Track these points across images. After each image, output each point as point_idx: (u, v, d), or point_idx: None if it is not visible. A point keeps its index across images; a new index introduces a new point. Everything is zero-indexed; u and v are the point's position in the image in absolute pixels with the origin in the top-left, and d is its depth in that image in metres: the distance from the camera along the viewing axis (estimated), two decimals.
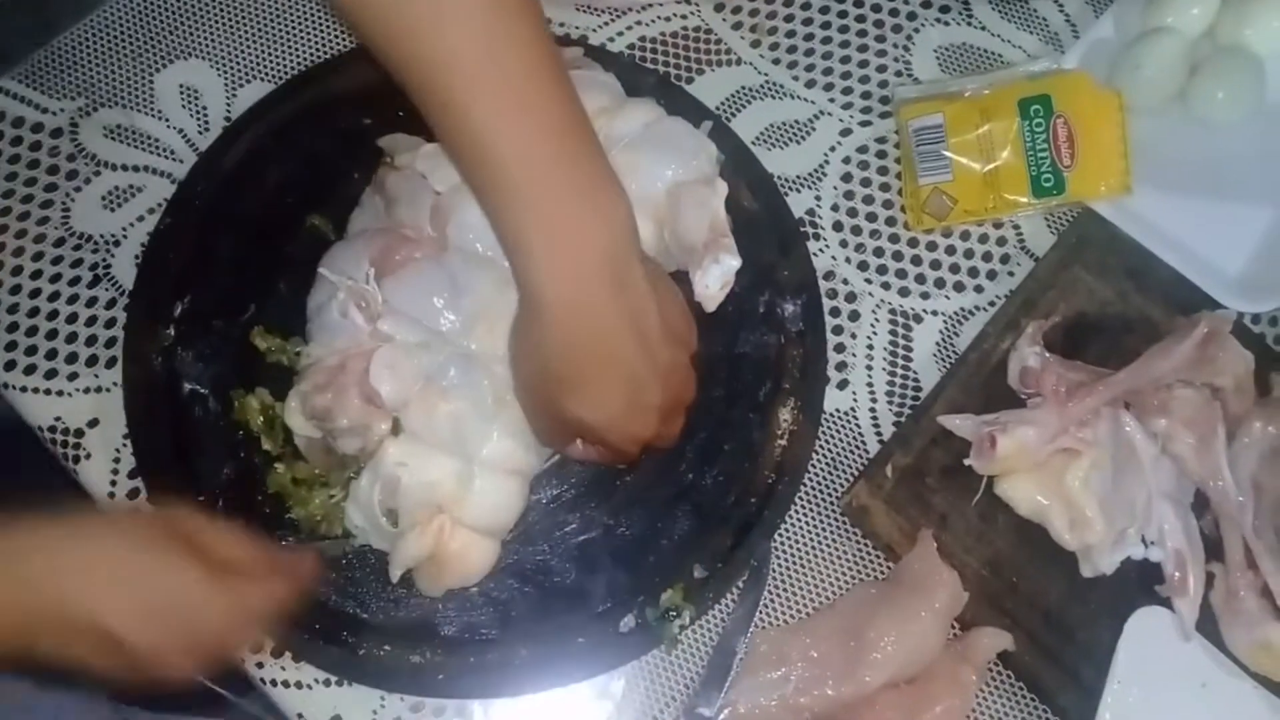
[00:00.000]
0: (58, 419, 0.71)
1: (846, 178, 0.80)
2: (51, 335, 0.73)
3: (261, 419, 0.68)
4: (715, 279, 0.66)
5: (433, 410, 0.63)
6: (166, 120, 0.78)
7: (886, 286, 0.78)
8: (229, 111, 0.78)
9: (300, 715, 0.66)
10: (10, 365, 0.72)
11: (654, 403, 0.60)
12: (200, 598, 0.56)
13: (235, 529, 0.59)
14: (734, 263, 0.67)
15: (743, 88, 0.82)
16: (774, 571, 0.70)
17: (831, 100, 0.82)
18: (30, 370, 0.72)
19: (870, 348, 0.76)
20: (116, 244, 0.75)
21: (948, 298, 0.78)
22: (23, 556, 0.53)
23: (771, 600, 0.70)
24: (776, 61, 0.83)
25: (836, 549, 0.72)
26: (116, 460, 0.70)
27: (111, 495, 0.70)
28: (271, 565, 0.60)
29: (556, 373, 0.58)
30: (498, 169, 0.55)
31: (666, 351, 0.60)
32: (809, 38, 0.84)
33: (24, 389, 0.72)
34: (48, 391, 0.72)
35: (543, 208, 0.55)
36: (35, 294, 0.74)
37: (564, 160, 0.56)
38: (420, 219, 0.66)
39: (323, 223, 0.73)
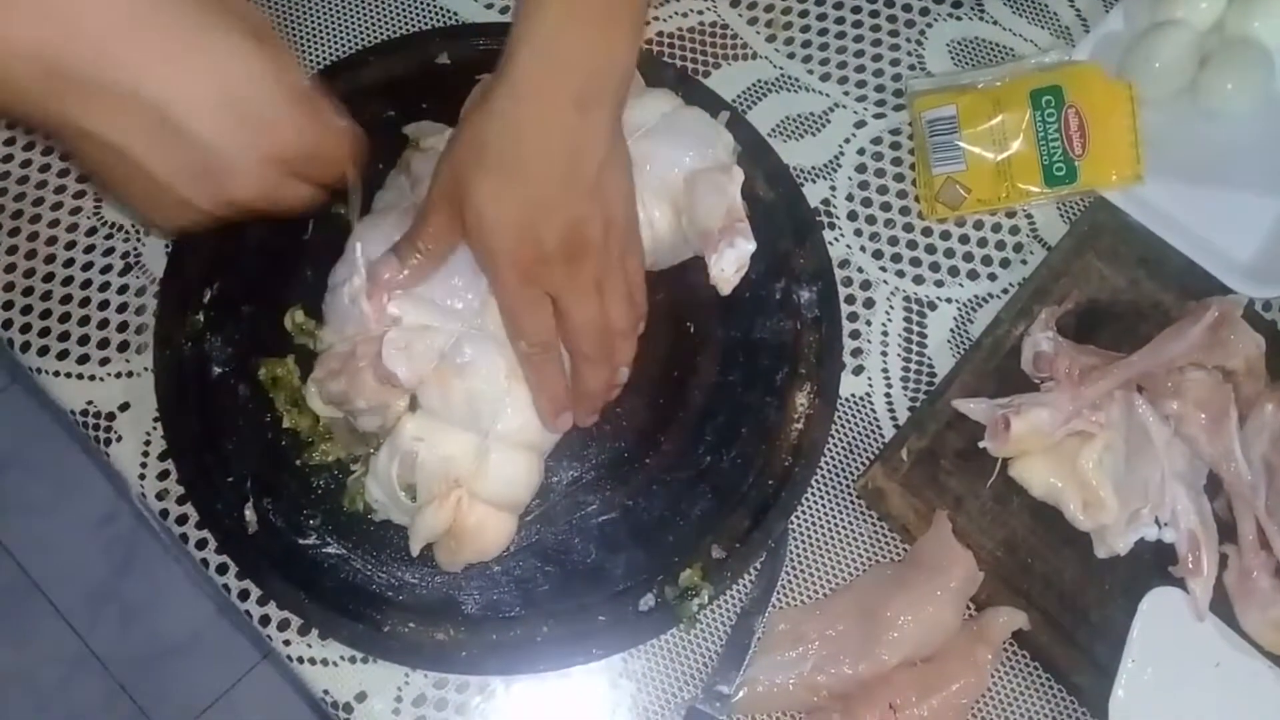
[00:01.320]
0: (90, 403, 0.73)
1: (861, 168, 0.82)
2: (84, 322, 0.74)
3: (284, 396, 0.69)
4: (730, 262, 0.67)
5: (448, 387, 0.64)
6: None
7: (901, 274, 0.79)
8: None
9: (326, 692, 0.67)
10: (44, 351, 0.74)
11: (543, 239, 0.57)
12: (285, 97, 0.48)
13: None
14: (749, 246, 0.68)
15: (759, 81, 0.83)
16: (791, 552, 0.71)
17: (846, 93, 0.84)
18: (63, 355, 0.74)
19: (885, 334, 0.77)
20: (147, 232, 0.77)
21: (961, 285, 0.79)
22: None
23: (789, 580, 0.71)
24: (792, 56, 0.84)
25: (852, 530, 0.73)
26: (147, 443, 0.72)
27: (142, 477, 0.71)
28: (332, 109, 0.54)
29: (474, 141, 0.56)
30: None
31: (587, 205, 0.57)
32: (823, 32, 0.85)
33: (57, 374, 0.73)
34: (80, 376, 0.73)
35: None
36: (68, 281, 0.75)
37: None
38: None
39: (349, 212, 0.75)
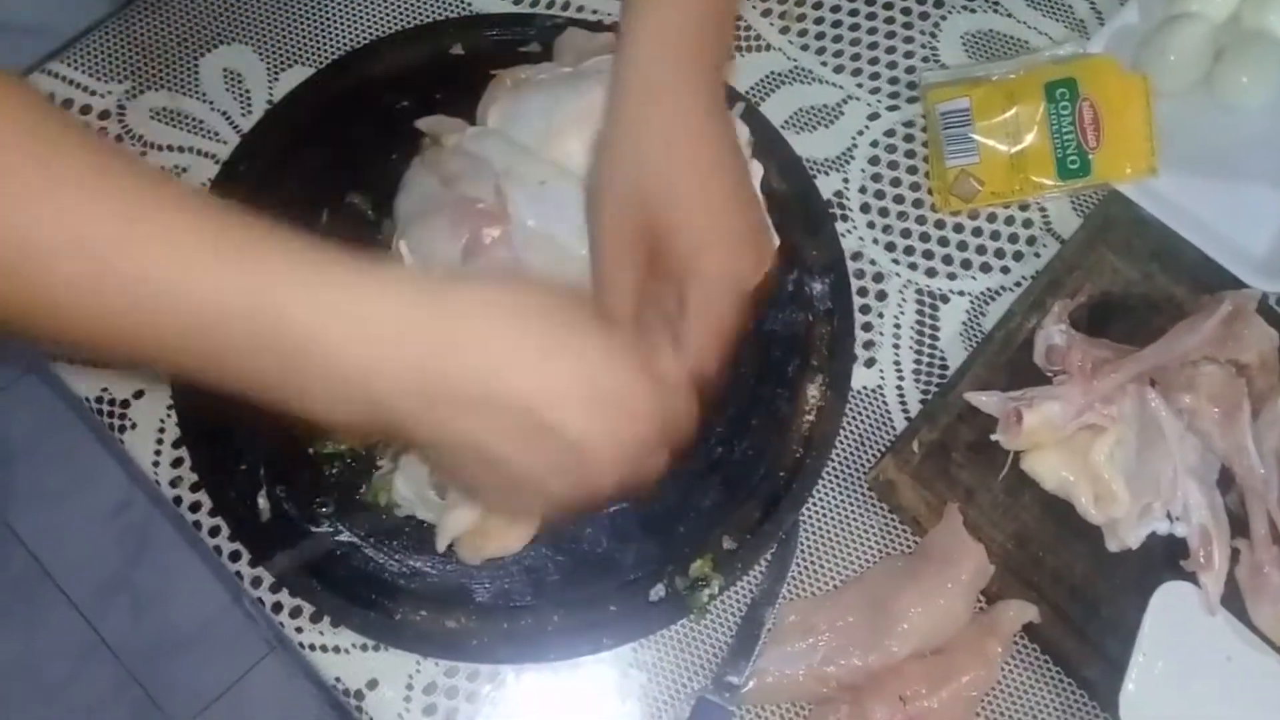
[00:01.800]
0: (104, 390, 0.73)
1: (874, 161, 0.82)
2: None
3: None
4: None
5: None
6: (211, 103, 0.80)
7: (914, 267, 0.79)
8: (271, 94, 0.80)
9: (338, 679, 0.68)
10: None
11: (755, 227, 0.57)
12: (646, 386, 0.48)
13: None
14: (773, 242, 0.68)
15: (772, 73, 0.83)
16: (802, 544, 0.71)
17: (859, 85, 0.84)
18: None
19: (897, 327, 0.77)
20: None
21: (974, 278, 0.79)
22: (431, 311, 0.45)
23: (799, 572, 0.71)
24: (805, 48, 0.84)
25: (863, 523, 0.73)
26: (161, 430, 0.72)
27: (156, 465, 0.72)
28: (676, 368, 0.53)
29: (657, 166, 0.54)
30: None
31: (750, 192, 0.58)
32: (837, 24, 0.85)
33: (71, 361, 0.74)
34: (95, 364, 0.74)
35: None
36: None
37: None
38: (488, 191, 0.65)
39: (362, 201, 0.75)
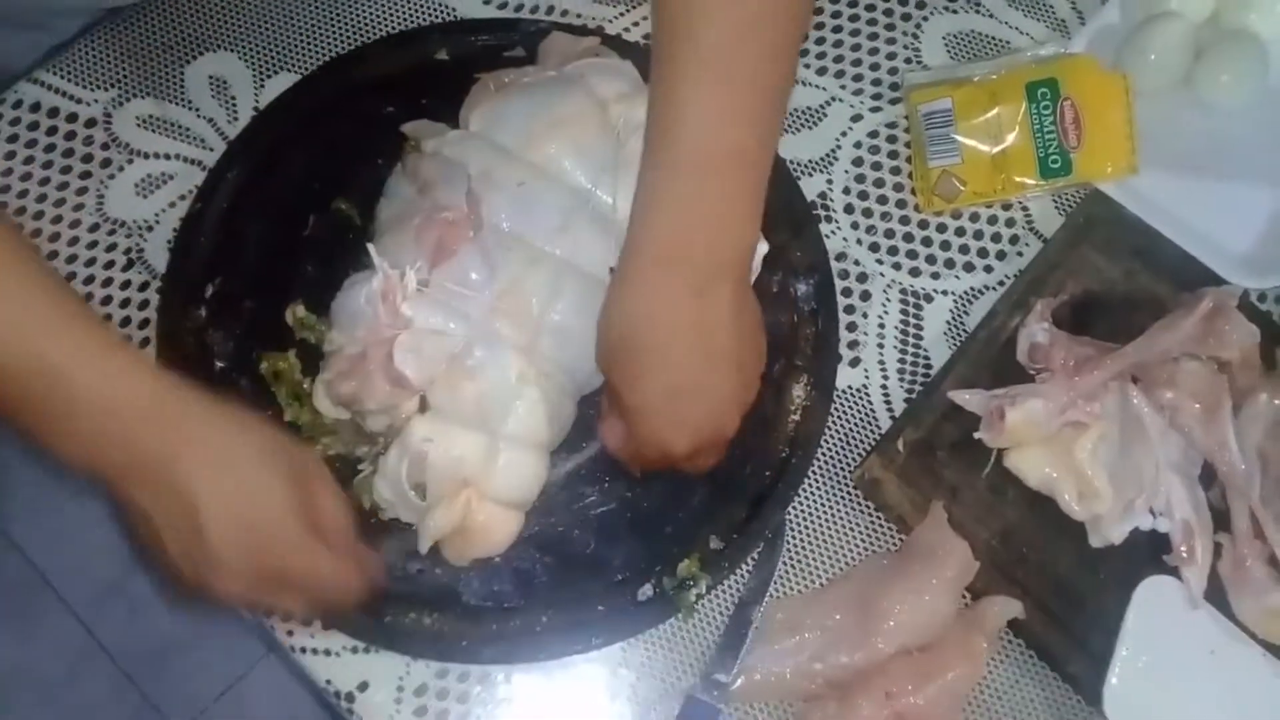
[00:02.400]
0: None
1: (857, 162, 0.82)
2: None
3: (286, 390, 0.70)
4: None
5: (458, 389, 0.65)
6: (197, 110, 0.81)
7: (897, 267, 0.80)
8: (257, 101, 0.81)
9: (329, 681, 0.68)
10: None
11: (690, 420, 0.62)
12: (299, 547, 0.57)
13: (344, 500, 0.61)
14: (762, 248, 0.69)
15: None
16: (788, 543, 0.72)
17: (843, 87, 0.84)
18: None
19: (881, 326, 0.78)
20: (149, 229, 0.78)
21: (957, 278, 0.79)
22: (163, 405, 0.55)
23: (786, 571, 0.72)
24: None
25: (849, 521, 0.73)
26: None
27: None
28: (355, 552, 0.61)
29: (612, 338, 0.61)
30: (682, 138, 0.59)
31: (724, 382, 0.61)
32: (819, 26, 0.86)
33: None
34: None
35: (688, 180, 0.59)
36: (70, 278, 0.76)
37: (732, 158, 0.59)
38: (459, 200, 0.67)
39: (348, 207, 0.76)
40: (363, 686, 0.68)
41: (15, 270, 0.54)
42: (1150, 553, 0.71)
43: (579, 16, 0.84)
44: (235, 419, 0.58)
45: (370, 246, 0.66)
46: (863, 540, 0.73)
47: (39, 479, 1.60)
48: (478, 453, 0.65)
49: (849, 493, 0.74)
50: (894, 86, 0.84)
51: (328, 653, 0.69)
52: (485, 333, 0.65)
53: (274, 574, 0.57)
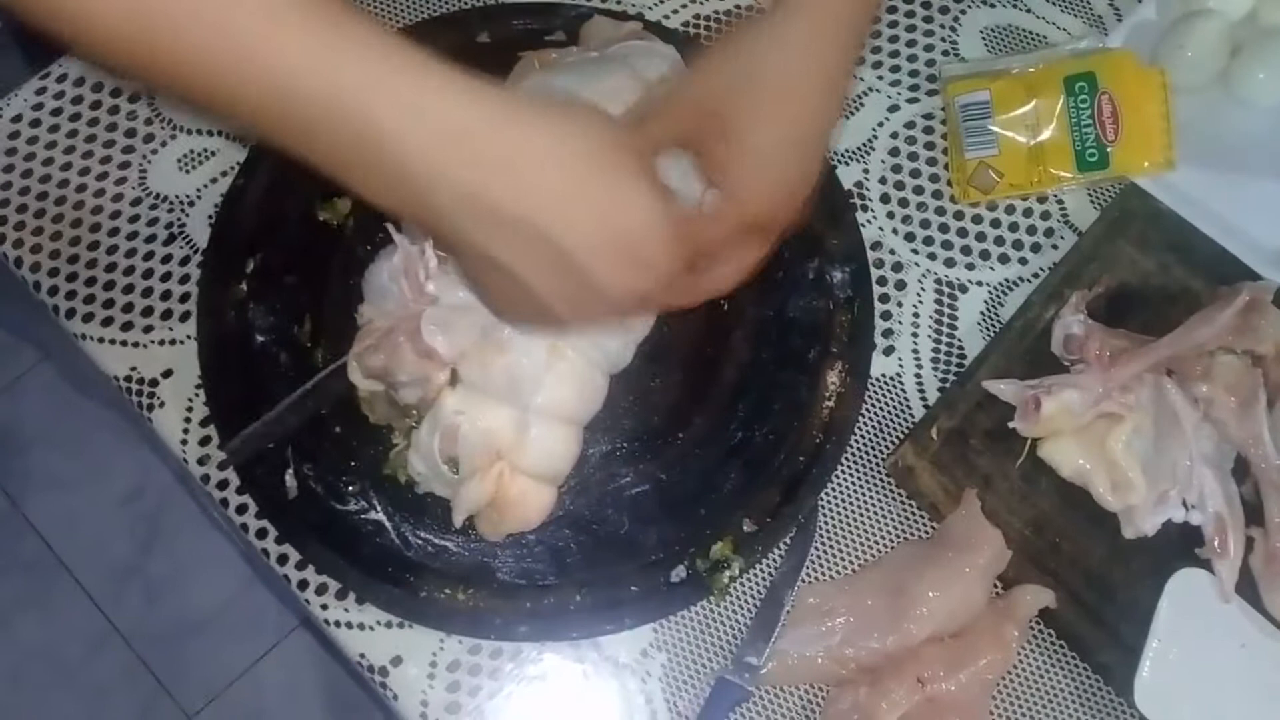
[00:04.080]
0: (133, 369, 0.74)
1: (894, 152, 0.82)
2: (128, 290, 0.76)
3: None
4: None
5: (488, 362, 0.65)
6: None
7: (933, 257, 0.80)
8: None
9: (363, 655, 0.68)
10: (89, 318, 0.75)
11: (803, 174, 0.59)
12: (666, 248, 0.52)
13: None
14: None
15: None
16: (821, 528, 0.72)
17: (880, 78, 0.85)
18: (108, 323, 0.75)
19: (916, 316, 0.78)
20: (191, 204, 0.78)
21: (992, 269, 0.80)
22: (486, 130, 0.47)
23: (818, 555, 0.72)
24: None
25: (882, 508, 0.73)
26: (189, 409, 0.73)
27: (184, 443, 0.72)
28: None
29: (748, 71, 0.57)
30: None
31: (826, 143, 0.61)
32: None
33: (101, 340, 0.75)
34: (124, 343, 0.75)
35: None
36: (113, 250, 0.77)
37: None
38: None
39: None
40: (396, 661, 0.68)
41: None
42: (1182, 545, 0.71)
43: (619, 2, 0.84)
44: (563, 119, 0.50)
45: (389, 225, 0.67)
46: (895, 527, 0.73)
47: (56, 462, 1.61)
48: (509, 426, 0.65)
49: (882, 480, 0.74)
50: (931, 78, 0.85)
51: (362, 627, 0.69)
52: None
53: (647, 291, 0.53)
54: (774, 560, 0.71)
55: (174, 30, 0.45)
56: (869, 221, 0.80)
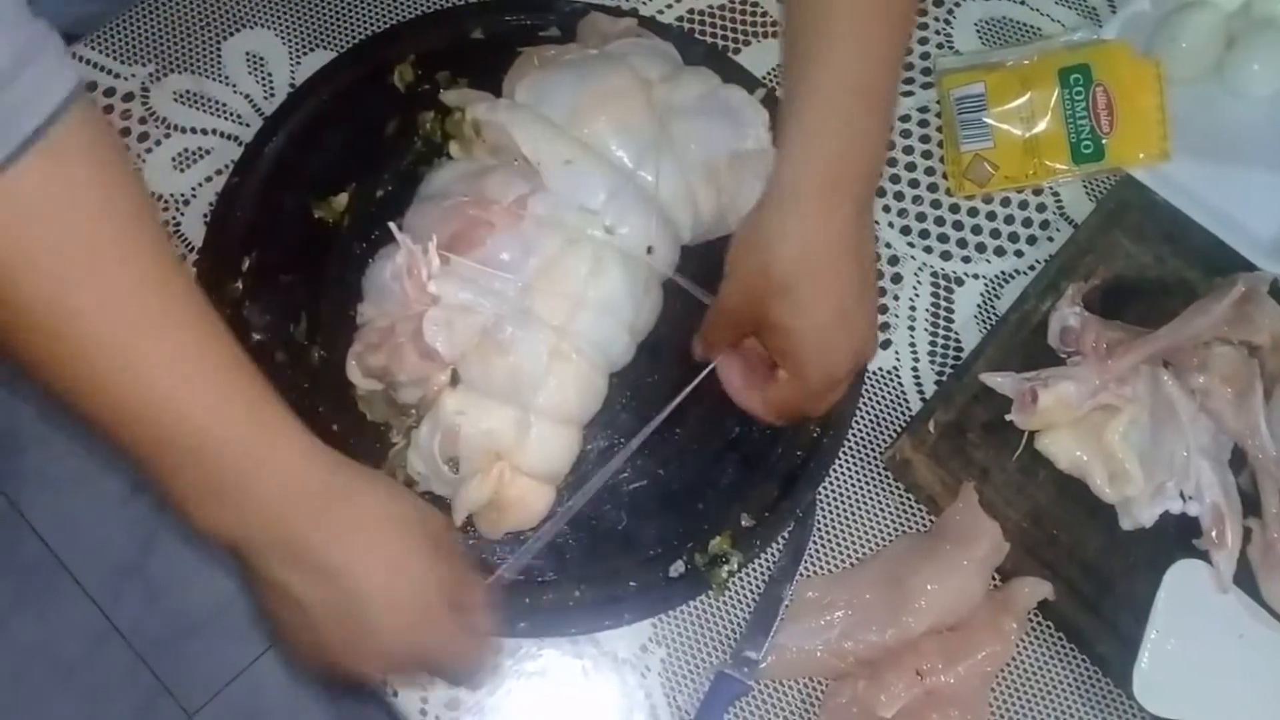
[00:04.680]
0: None
1: (889, 145, 0.82)
2: None
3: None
4: None
5: (489, 363, 0.65)
6: (233, 86, 0.81)
7: (929, 250, 0.80)
8: (293, 78, 0.81)
9: None
10: None
11: (855, 339, 0.64)
12: (444, 626, 0.57)
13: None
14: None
15: None
16: (819, 522, 0.72)
17: None
18: None
19: (913, 309, 0.78)
20: (186, 203, 0.78)
21: (988, 261, 0.80)
22: (314, 484, 0.53)
23: (816, 549, 0.72)
24: None
25: (880, 501, 0.73)
26: None
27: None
28: (486, 624, 0.61)
29: (775, 267, 0.61)
30: None
31: (875, 303, 0.65)
32: None
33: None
34: None
35: (839, 109, 0.62)
36: None
37: (870, 92, 0.63)
38: (505, 194, 0.67)
39: (383, 183, 0.76)
40: None
41: (177, 320, 0.51)
42: (1180, 536, 0.71)
43: None
44: (380, 491, 0.57)
45: (391, 224, 0.67)
46: (893, 521, 0.73)
47: (55, 462, 1.60)
48: (509, 426, 0.65)
49: (879, 473, 0.74)
50: (926, 71, 0.85)
51: None
52: (517, 309, 0.66)
53: (420, 652, 0.57)
54: (772, 554, 0.71)
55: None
56: None
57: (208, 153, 0.79)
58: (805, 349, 0.63)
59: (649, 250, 0.68)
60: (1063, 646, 0.71)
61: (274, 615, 0.56)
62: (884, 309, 0.78)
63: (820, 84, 0.62)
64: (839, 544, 0.72)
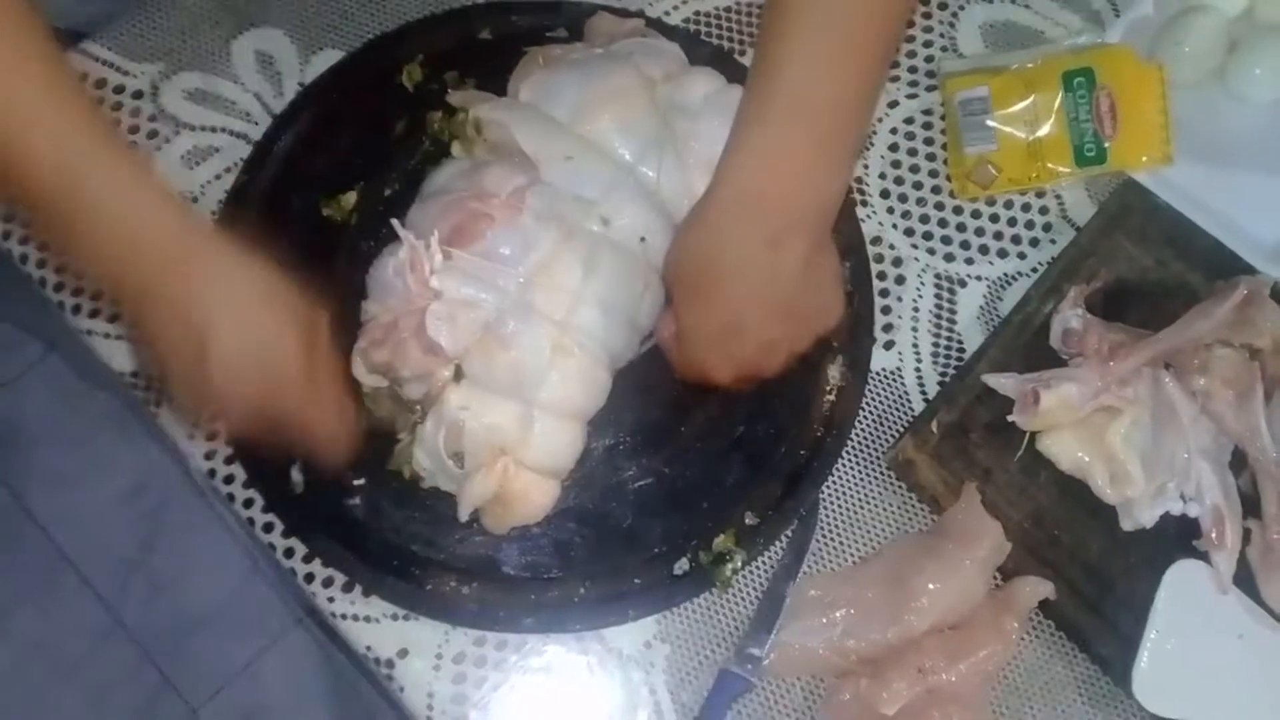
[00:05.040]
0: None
1: (893, 148, 0.83)
2: None
3: None
4: None
5: (492, 358, 0.65)
6: (243, 85, 0.82)
7: (932, 252, 0.80)
8: (302, 77, 0.82)
9: (369, 648, 0.69)
10: (95, 313, 0.76)
11: (735, 356, 0.65)
12: (297, 392, 0.60)
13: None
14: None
15: None
16: (822, 521, 0.73)
17: None
18: (115, 318, 0.75)
19: (916, 310, 0.79)
20: (195, 200, 0.79)
21: (991, 264, 0.80)
22: (185, 242, 0.58)
23: (819, 548, 0.73)
24: None
25: (882, 501, 0.74)
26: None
27: (191, 438, 0.73)
28: (345, 409, 0.64)
29: (680, 264, 0.65)
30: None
31: (779, 328, 0.64)
32: None
33: (107, 335, 0.75)
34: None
35: (777, 127, 0.60)
36: None
37: (826, 109, 0.60)
38: (504, 187, 0.67)
39: (390, 182, 0.77)
40: (402, 653, 0.69)
41: (54, 80, 0.55)
42: (1180, 537, 0.71)
43: (620, 0, 0.85)
44: (251, 263, 0.60)
45: (394, 221, 0.67)
46: (895, 520, 0.74)
47: (59, 457, 1.61)
48: (513, 421, 0.66)
49: (882, 473, 0.75)
50: (930, 74, 0.85)
51: (368, 619, 0.70)
52: (519, 304, 0.66)
53: (271, 414, 0.60)
54: (776, 553, 0.72)
55: None
56: (869, 216, 0.81)
57: (217, 151, 0.80)
58: (684, 342, 0.66)
59: (641, 240, 0.69)
60: (1063, 646, 0.71)
61: (139, 353, 0.61)
62: (887, 310, 0.79)
63: (773, 86, 0.60)
64: (842, 543, 0.73)
